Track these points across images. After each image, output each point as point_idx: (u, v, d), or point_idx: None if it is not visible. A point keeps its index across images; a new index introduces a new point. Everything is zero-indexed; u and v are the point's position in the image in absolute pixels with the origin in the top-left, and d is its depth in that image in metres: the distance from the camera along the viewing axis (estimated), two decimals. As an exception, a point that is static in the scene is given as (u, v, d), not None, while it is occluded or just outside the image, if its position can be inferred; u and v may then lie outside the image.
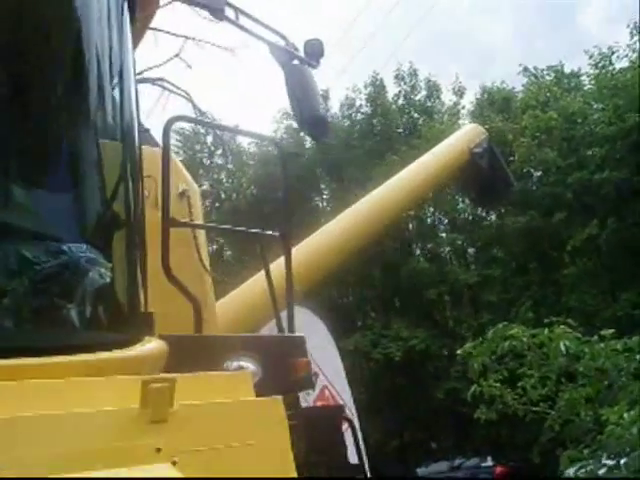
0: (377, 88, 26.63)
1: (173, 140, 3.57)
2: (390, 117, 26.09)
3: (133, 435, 1.73)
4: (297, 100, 3.50)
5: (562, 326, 6.12)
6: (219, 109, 45.10)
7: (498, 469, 19.60)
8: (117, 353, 2.07)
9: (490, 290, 22.71)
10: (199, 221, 4.00)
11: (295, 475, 1.91)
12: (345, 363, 21.32)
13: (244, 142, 30.83)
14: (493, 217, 25.58)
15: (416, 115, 26.96)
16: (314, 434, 3.69)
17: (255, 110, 47.10)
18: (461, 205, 25.90)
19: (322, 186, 24.96)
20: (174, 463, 1.72)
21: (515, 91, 26.17)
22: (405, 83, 26.99)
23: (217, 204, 30.71)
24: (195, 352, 2.73)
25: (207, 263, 3.87)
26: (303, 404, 10.69)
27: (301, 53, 3.72)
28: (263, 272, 5.56)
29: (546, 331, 6.09)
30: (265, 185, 26.67)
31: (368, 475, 3.79)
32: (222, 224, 28.13)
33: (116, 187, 2.53)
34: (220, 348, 2.81)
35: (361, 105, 27.48)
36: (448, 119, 26.28)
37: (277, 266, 5.38)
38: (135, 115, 2.58)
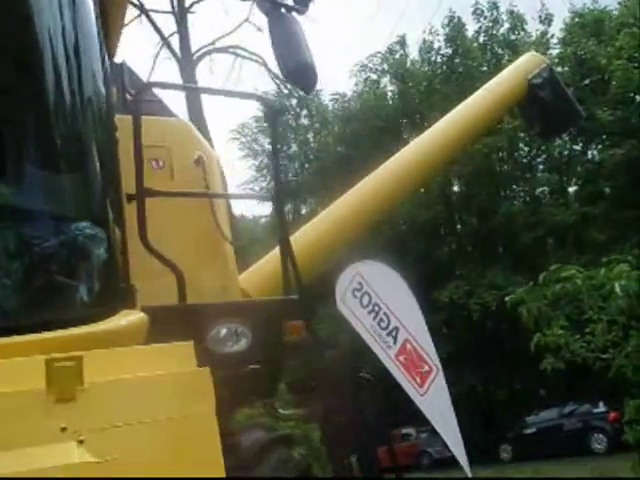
0: (455, 27, 25.35)
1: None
2: (472, 56, 24.80)
3: (38, 416, 1.67)
4: (280, 50, 3.30)
5: (622, 264, 5.56)
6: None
7: (612, 415, 18.71)
8: (91, 327, 2.05)
9: (592, 228, 21.44)
10: (217, 189, 3.91)
11: (218, 451, 1.78)
12: (441, 315, 21.00)
13: (327, 101, 30.64)
14: (593, 152, 24.02)
15: (500, 51, 25.46)
16: (333, 395, 3.58)
17: (333, 65, 46.62)
18: (558, 142, 24.41)
19: (405, 136, 24.27)
20: (80, 442, 1.65)
21: (609, 9, 24.12)
22: (485, 18, 25.48)
23: (306, 165, 30.80)
24: (182, 322, 2.67)
25: (227, 230, 3.80)
26: (385, 358, 10.52)
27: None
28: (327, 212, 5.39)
29: (603, 271, 5.56)
30: (350, 143, 26.39)
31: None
32: (312, 185, 28.43)
33: (90, 159, 2.48)
34: (207, 316, 2.75)
35: (440, 47, 26.33)
36: (535, 50, 24.60)
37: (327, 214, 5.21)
38: (104, 86, 2.52)
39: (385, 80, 28.30)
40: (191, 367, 1.96)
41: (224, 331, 2.74)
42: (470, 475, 8.92)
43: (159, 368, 1.89)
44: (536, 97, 6.56)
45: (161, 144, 3.63)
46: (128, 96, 4.00)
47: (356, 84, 28.66)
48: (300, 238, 5.08)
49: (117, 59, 3.59)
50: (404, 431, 22.93)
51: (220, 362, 2.69)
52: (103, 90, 2.50)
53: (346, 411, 3.60)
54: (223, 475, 1.78)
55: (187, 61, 19.30)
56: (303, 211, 29.47)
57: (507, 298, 6.90)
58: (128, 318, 2.21)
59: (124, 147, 3.59)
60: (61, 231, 2.22)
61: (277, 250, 5.03)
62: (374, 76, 28.22)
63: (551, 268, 6.25)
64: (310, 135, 32.29)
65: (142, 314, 2.35)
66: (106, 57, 2.64)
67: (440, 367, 9.56)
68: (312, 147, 31.68)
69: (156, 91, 4.19)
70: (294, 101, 31.25)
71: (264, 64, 22.47)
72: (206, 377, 1.91)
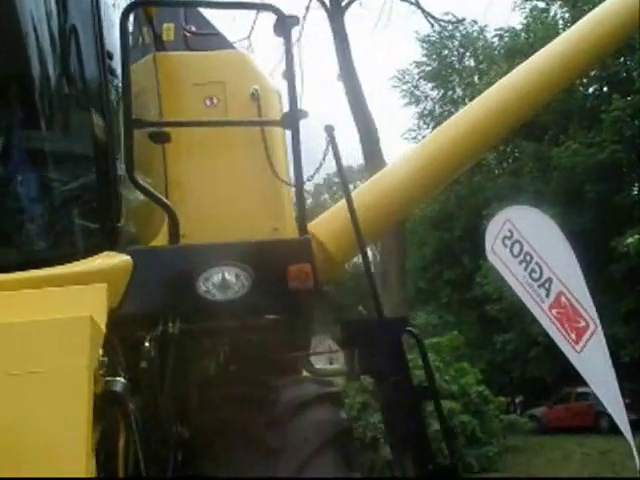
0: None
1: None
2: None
3: None
4: None
5: None
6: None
7: None
8: (65, 268, 2.03)
9: None
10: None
11: (83, 409, 1.53)
12: (620, 266, 18.94)
13: (492, 37, 28.65)
14: None
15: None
16: (372, 352, 3.18)
17: None
18: None
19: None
20: None
21: None
22: None
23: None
24: (172, 264, 2.49)
25: (283, 169, 3.50)
26: (537, 311, 9.77)
27: None
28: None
29: None
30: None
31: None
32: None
33: (74, 95, 2.40)
34: (200, 258, 2.51)
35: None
36: None
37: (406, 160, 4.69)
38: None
39: (555, 7, 25.71)
40: (75, 313, 1.75)
41: (218, 276, 2.45)
42: (632, 443, 7.96)
43: (46, 313, 1.73)
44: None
45: (216, 79, 3.44)
46: (186, 33, 3.80)
47: (524, 16, 26.43)
48: (392, 173, 4.60)
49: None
50: (580, 390, 21.39)
51: (213, 310, 2.46)
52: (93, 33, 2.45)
53: (394, 371, 3.17)
54: (84, 435, 1.51)
55: (335, 10, 18.94)
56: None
57: (628, 240, 5.77)
58: (108, 259, 2.17)
59: (178, 84, 3.41)
60: (39, 171, 2.13)
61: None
62: (541, 4, 25.76)
63: None
64: (476, 77, 30.51)
65: (125, 256, 2.27)
66: None
67: (598, 323, 8.57)
68: (479, 89, 29.93)
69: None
70: (456, 42, 29.66)
71: (416, 3, 21.35)
72: (84, 326, 1.68)
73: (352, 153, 22.56)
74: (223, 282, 2.48)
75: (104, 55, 2.49)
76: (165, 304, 2.46)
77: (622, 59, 22.11)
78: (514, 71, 4.91)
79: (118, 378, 1.84)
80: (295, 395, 3.14)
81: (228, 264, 2.49)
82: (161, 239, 2.91)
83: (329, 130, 3.57)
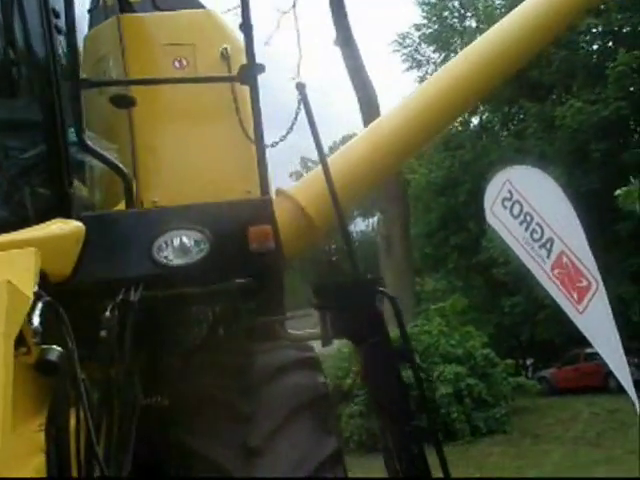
0: None
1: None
2: None
3: None
4: None
5: None
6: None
7: None
8: (13, 235, 1.97)
9: None
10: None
11: (6, 373, 1.50)
12: (625, 225, 18.74)
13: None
14: None
15: None
16: (344, 314, 3.12)
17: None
18: None
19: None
20: None
21: None
22: None
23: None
24: (127, 230, 2.42)
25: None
26: (538, 272, 9.66)
27: None
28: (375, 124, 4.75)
29: None
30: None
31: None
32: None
33: (19, 58, 2.31)
34: (155, 223, 2.43)
35: None
36: None
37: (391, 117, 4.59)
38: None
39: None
40: None
41: (175, 240, 2.38)
42: (636, 403, 7.90)
43: None
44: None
45: (185, 42, 3.34)
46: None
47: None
48: (382, 126, 4.48)
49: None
50: (588, 351, 21.36)
51: (170, 276, 2.39)
52: None
53: (371, 333, 3.10)
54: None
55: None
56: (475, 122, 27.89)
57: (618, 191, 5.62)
58: (57, 226, 2.12)
59: (145, 46, 3.29)
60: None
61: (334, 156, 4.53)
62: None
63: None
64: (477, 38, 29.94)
65: (76, 223, 2.22)
66: None
67: (601, 282, 8.45)
68: (481, 51, 29.36)
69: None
70: (456, 3, 29.07)
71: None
72: (1, 291, 1.58)
73: (352, 120, 22.33)
74: (180, 246, 2.41)
75: (49, 13, 2.38)
76: (120, 271, 2.38)
77: (627, 14, 21.57)
78: (504, 19, 4.79)
79: (54, 347, 1.75)
80: (271, 361, 3.10)
81: (185, 227, 2.41)
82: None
83: (300, 88, 3.47)
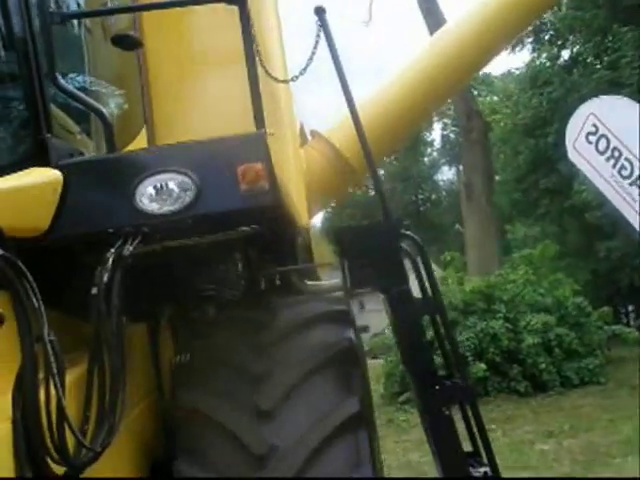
0: None
1: None
2: None
3: None
4: None
5: None
6: None
7: None
8: None
9: None
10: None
11: None
12: None
13: None
14: None
15: None
16: (363, 262, 2.81)
17: None
18: None
19: None
20: None
21: None
22: None
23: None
24: (107, 176, 2.23)
25: (279, 66, 3.32)
26: (629, 212, 9.11)
27: None
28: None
29: None
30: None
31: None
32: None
33: None
34: (137, 167, 2.21)
35: None
36: None
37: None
38: None
39: None
40: None
41: (158, 185, 2.14)
42: None
43: None
44: None
45: None
46: None
47: None
48: (417, 67, 4.13)
49: None
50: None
51: (155, 225, 2.17)
52: None
53: (395, 282, 2.75)
54: None
55: None
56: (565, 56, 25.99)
57: None
58: (32, 175, 2.01)
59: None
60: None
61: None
62: None
63: None
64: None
65: (54, 172, 2.08)
66: None
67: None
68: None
69: None
70: None
71: None
72: None
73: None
74: (163, 192, 2.17)
75: None
76: (99, 223, 2.18)
77: None
78: None
79: None
80: (292, 316, 2.90)
81: (168, 171, 2.17)
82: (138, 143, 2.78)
83: (319, 12, 3.14)
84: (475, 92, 37.68)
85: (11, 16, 2.18)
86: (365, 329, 36.73)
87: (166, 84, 3.12)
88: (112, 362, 2.06)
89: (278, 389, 2.56)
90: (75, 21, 2.62)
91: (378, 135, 3.74)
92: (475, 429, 2.77)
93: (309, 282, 3.20)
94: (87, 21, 2.76)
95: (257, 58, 3.00)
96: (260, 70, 2.98)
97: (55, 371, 1.81)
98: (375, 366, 14.09)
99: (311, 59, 3.27)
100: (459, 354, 2.98)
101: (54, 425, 1.82)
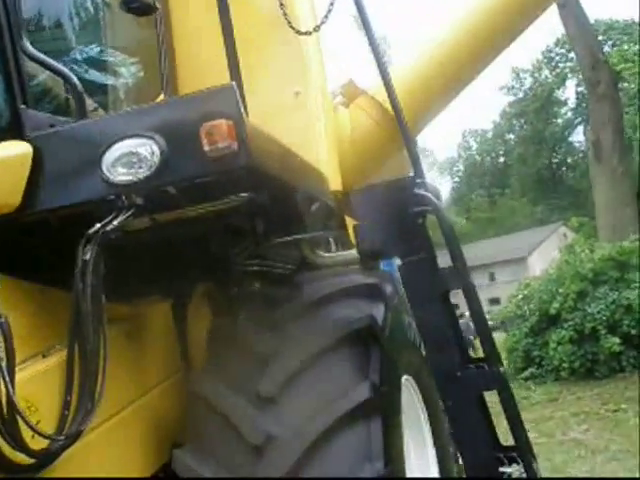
0: None
1: None
2: None
3: None
4: None
5: None
6: None
7: None
8: None
9: None
10: None
11: None
12: None
13: None
14: None
15: None
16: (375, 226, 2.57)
17: None
18: None
19: None
20: None
21: None
22: None
23: None
24: (75, 146, 2.09)
25: (305, 16, 3.10)
26: None
27: None
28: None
29: None
30: None
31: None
32: None
33: None
34: (104, 134, 2.03)
35: None
36: None
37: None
38: None
39: None
40: None
41: (122, 152, 1.96)
42: None
43: None
44: None
45: None
46: None
47: None
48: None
49: None
50: None
51: (122, 195, 1.98)
52: None
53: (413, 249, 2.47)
54: None
55: None
56: None
57: None
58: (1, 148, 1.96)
59: None
60: None
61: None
62: None
63: None
64: None
65: (24, 144, 2.02)
66: None
67: None
68: None
69: None
70: None
71: None
72: None
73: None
74: (128, 159, 1.98)
75: None
76: (68, 197, 2.06)
77: None
78: None
79: None
80: (312, 291, 2.70)
81: (133, 136, 1.98)
82: None
83: None
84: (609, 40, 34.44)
85: None
86: (497, 301, 35.36)
87: (194, 54, 3.05)
88: (89, 344, 1.96)
89: (282, 373, 2.37)
90: None
91: (417, 95, 3.45)
92: (508, 422, 2.44)
93: (326, 254, 2.94)
94: None
95: (282, 10, 2.89)
96: (287, 34, 2.88)
97: (2, 355, 1.73)
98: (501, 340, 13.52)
99: (329, 12, 3.07)
100: (487, 334, 2.59)
101: (4, 413, 1.73)
